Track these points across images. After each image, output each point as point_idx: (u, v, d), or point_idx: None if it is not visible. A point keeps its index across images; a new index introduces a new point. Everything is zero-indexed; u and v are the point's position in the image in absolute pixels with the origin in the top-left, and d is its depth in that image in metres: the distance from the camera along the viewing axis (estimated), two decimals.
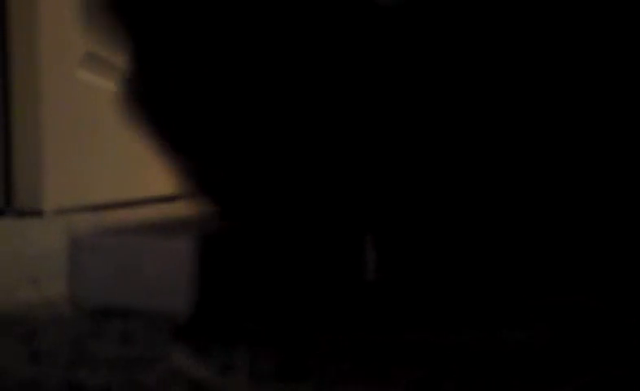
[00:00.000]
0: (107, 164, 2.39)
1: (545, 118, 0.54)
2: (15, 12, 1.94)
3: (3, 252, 1.01)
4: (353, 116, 0.55)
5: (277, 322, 0.51)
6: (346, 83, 0.54)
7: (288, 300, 0.58)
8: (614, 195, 0.55)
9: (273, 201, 0.58)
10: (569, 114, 0.54)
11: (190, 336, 0.47)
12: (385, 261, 0.63)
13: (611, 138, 0.54)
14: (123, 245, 0.50)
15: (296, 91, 0.55)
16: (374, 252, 0.64)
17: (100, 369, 0.39)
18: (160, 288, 0.48)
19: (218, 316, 0.50)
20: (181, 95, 0.60)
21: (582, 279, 0.57)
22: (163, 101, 0.59)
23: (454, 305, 0.57)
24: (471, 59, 0.53)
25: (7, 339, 0.46)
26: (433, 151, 0.55)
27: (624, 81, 0.53)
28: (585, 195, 0.55)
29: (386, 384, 0.36)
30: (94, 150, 2.31)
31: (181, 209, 0.61)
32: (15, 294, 0.63)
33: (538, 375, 0.38)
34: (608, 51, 0.52)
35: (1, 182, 1.99)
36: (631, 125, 0.53)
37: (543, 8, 0.52)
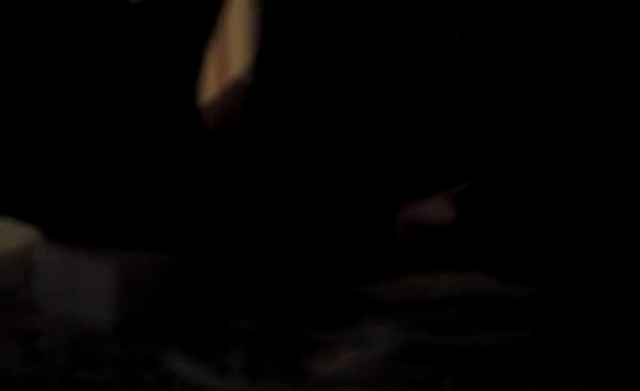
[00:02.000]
0: None
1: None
2: None
3: (3, 252, 1.01)
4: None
5: (273, 323, 0.51)
6: None
7: (275, 300, 0.58)
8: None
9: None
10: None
11: (186, 337, 0.47)
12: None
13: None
14: (60, 259, 0.53)
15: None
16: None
17: (100, 369, 0.39)
18: (90, 304, 0.50)
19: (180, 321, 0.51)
20: None
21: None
22: None
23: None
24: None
25: (7, 339, 0.46)
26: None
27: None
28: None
29: (386, 384, 0.36)
30: None
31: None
32: (14, 294, 0.63)
33: (538, 375, 0.38)
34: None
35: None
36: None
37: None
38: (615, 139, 0.54)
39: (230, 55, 1.28)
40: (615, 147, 0.54)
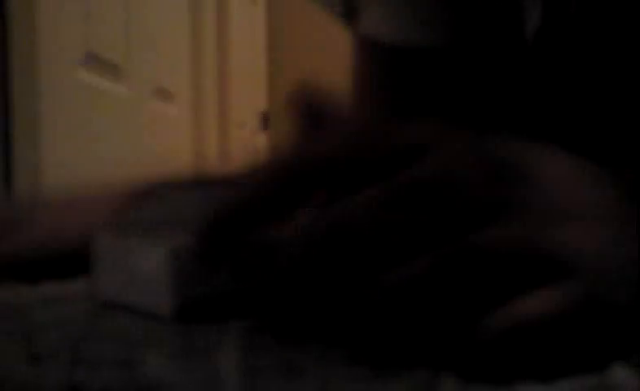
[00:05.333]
0: (107, 164, 2.40)
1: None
2: (15, 12, 1.95)
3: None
4: None
5: (272, 320, 0.51)
6: None
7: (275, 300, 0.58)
8: None
9: None
10: None
11: (183, 337, 0.47)
12: None
13: None
14: (118, 246, 0.53)
15: None
16: None
17: (100, 369, 0.39)
18: (146, 288, 0.51)
19: (206, 315, 0.51)
20: None
21: None
22: None
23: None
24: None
25: (7, 339, 0.46)
26: None
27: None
28: None
29: (385, 384, 0.36)
30: (94, 150, 2.32)
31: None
32: (14, 294, 0.63)
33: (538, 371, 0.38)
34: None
35: (1, 182, 1.99)
36: None
37: None
38: None
39: None
40: None
